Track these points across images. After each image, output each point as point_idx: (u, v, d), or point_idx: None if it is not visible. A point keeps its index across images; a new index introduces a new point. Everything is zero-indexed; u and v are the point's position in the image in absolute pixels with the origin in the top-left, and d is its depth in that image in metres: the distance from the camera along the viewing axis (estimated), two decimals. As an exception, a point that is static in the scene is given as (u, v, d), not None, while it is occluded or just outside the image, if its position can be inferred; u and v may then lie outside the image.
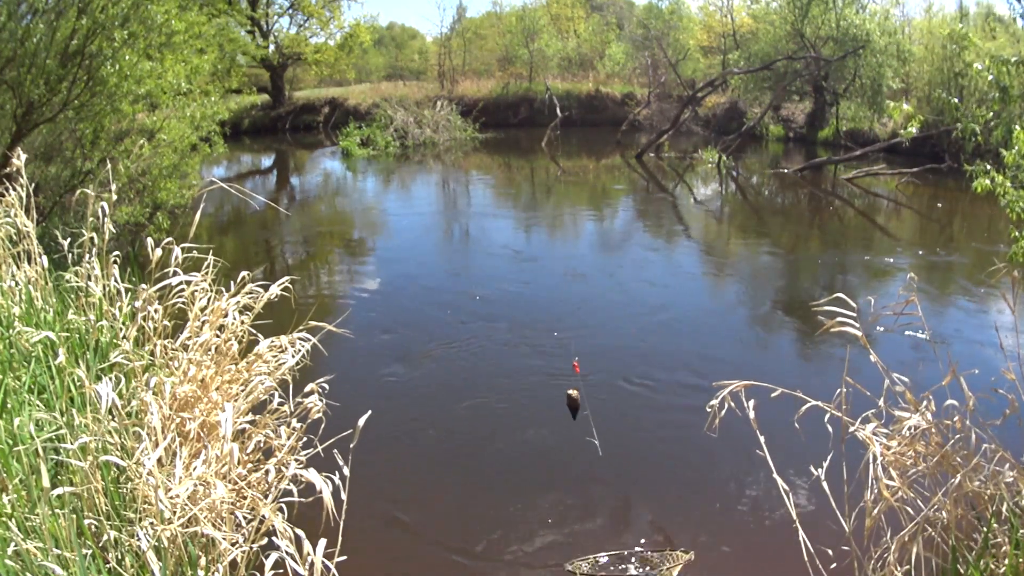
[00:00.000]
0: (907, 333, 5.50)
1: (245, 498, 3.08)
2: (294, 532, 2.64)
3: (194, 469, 2.91)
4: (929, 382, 3.13)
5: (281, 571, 2.59)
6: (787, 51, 20.36)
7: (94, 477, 2.83)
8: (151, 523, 2.70)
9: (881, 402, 3.02)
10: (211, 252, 4.02)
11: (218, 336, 3.76)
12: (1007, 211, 4.48)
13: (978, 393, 3.03)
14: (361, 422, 2.82)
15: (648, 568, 3.08)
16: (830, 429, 3.02)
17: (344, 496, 2.75)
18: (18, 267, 4.55)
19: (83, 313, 4.19)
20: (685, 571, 3.53)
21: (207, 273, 3.94)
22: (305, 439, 3.53)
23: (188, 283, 3.78)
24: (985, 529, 2.83)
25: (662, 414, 5.25)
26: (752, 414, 2.83)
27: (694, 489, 4.32)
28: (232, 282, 3.93)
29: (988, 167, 4.61)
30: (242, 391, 3.64)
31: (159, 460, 2.95)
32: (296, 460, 3.24)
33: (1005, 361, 3.35)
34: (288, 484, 3.17)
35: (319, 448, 3.33)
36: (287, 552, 2.58)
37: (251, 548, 2.87)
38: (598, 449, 4.58)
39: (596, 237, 11.69)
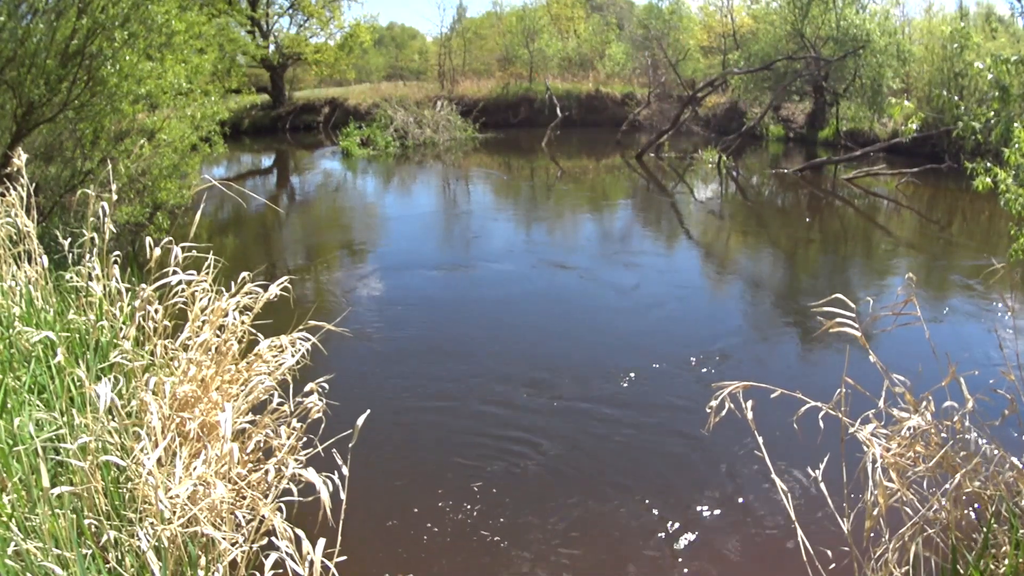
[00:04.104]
0: (906, 334, 5.49)
1: (245, 498, 3.09)
2: (294, 532, 2.65)
3: (194, 469, 2.92)
4: (929, 383, 3.13)
5: (281, 571, 2.60)
6: (787, 51, 20.36)
7: (94, 477, 2.84)
8: (151, 523, 2.71)
9: (881, 403, 3.02)
10: (211, 252, 4.02)
11: (218, 336, 3.76)
12: (1007, 208, 4.49)
13: (977, 394, 3.04)
14: (360, 421, 2.82)
15: None
16: (824, 428, 3.02)
17: (343, 496, 2.75)
18: (18, 267, 4.55)
19: (83, 313, 4.20)
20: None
21: (207, 273, 3.94)
22: (305, 439, 3.54)
23: (188, 283, 3.79)
24: (985, 529, 2.83)
25: (661, 414, 5.24)
26: (750, 415, 2.84)
27: (693, 490, 4.31)
28: (232, 282, 3.94)
29: (989, 164, 4.62)
30: (242, 391, 3.65)
31: (159, 460, 2.96)
32: (296, 460, 3.25)
33: (1004, 361, 3.35)
34: (288, 484, 3.17)
35: (319, 448, 3.34)
36: (287, 552, 2.59)
37: (251, 548, 2.87)
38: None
39: (595, 237, 11.68)
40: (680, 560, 3.70)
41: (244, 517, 2.94)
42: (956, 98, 5.20)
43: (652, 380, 5.76)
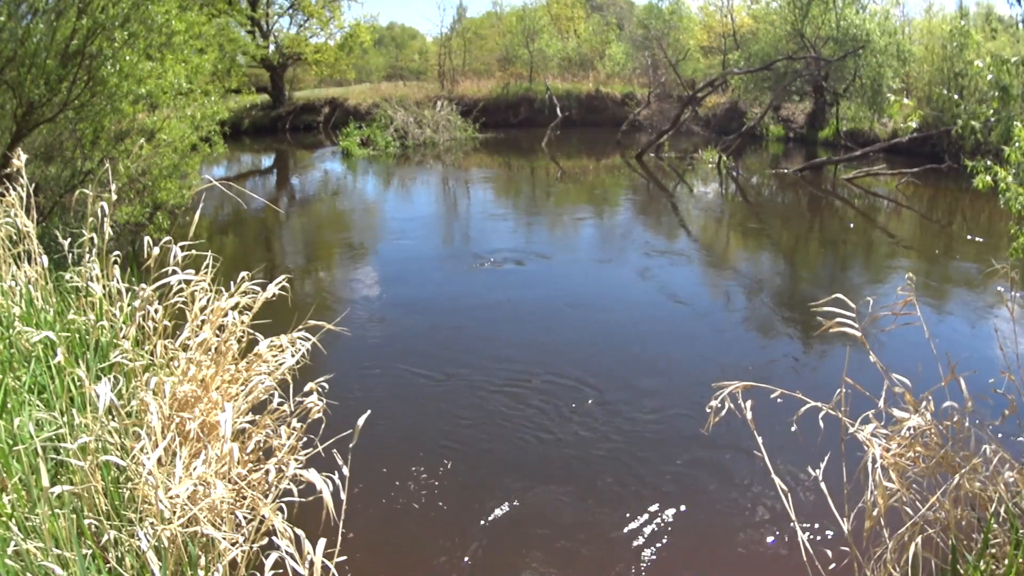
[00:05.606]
0: (906, 334, 5.52)
1: (245, 498, 3.09)
2: (294, 532, 2.65)
3: (194, 469, 2.92)
4: (928, 383, 3.13)
5: (281, 571, 2.60)
6: (787, 51, 20.35)
7: (94, 477, 2.84)
8: (151, 523, 2.71)
9: (881, 403, 3.02)
10: (211, 252, 4.03)
11: (218, 336, 3.76)
12: (1006, 206, 4.50)
13: (977, 394, 3.04)
14: (360, 422, 2.82)
15: None
16: (824, 428, 3.02)
17: (344, 496, 2.75)
18: (18, 267, 4.55)
19: (83, 313, 4.20)
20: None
21: (207, 273, 3.94)
22: (305, 439, 3.54)
23: (188, 283, 3.79)
24: (985, 529, 2.83)
25: (660, 415, 5.24)
26: (750, 415, 2.84)
27: (693, 489, 4.32)
28: (232, 282, 3.94)
29: (989, 163, 4.62)
30: (242, 391, 3.65)
31: (159, 460, 2.96)
32: (296, 460, 3.25)
33: (1004, 362, 3.35)
34: (288, 484, 3.17)
35: (319, 448, 3.34)
36: (287, 552, 2.59)
37: (251, 548, 2.87)
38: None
39: (595, 238, 11.69)
40: (679, 559, 3.70)
41: (244, 517, 2.94)
42: (956, 96, 5.21)
43: (651, 378, 5.76)
